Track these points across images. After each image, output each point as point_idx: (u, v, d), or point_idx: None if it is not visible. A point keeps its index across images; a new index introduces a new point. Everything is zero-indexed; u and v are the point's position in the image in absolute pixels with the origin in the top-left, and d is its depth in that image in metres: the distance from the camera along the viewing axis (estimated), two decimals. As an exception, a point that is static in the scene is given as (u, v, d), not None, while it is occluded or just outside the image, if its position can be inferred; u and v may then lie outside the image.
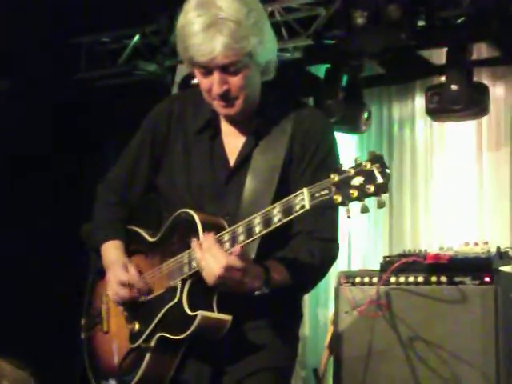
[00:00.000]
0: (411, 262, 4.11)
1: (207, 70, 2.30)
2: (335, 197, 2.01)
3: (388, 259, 4.21)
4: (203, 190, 2.46)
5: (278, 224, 2.14)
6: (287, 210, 2.11)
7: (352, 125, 5.56)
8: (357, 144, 6.17)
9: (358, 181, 2.00)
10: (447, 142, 5.97)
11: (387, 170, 2.00)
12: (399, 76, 5.97)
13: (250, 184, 2.39)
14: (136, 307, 2.52)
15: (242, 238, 2.22)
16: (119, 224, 2.62)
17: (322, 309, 6.13)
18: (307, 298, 6.15)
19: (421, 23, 5.17)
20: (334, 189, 2.02)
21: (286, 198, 2.13)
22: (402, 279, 4.11)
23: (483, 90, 5.09)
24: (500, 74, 5.70)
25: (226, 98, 2.33)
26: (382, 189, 1.99)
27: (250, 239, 2.21)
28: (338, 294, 4.26)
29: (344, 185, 2.01)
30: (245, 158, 2.44)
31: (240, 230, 2.23)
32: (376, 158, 2.02)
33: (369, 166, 2.00)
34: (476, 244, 4.12)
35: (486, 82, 5.52)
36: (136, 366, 2.45)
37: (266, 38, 2.34)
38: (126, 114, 6.11)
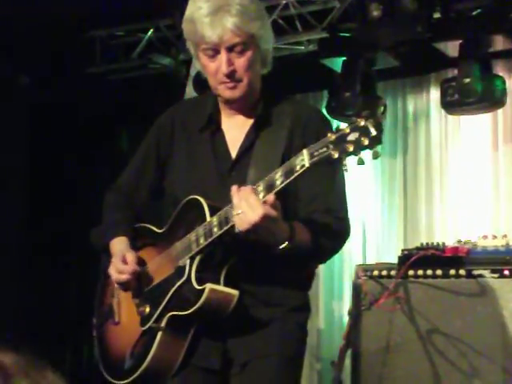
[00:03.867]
0: (429, 254, 4.08)
1: (214, 52, 2.44)
2: (332, 152, 2.11)
3: (406, 252, 4.18)
4: (207, 183, 2.55)
5: (281, 186, 2.23)
6: (289, 172, 2.21)
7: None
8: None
9: (353, 136, 2.10)
10: (462, 135, 5.95)
11: (381, 123, 2.11)
12: (414, 68, 5.95)
13: (252, 174, 2.46)
14: (146, 292, 2.58)
15: None
16: (126, 222, 2.71)
17: (336, 301, 6.13)
18: (321, 291, 6.17)
19: (436, 15, 5.15)
20: (331, 146, 2.12)
21: (288, 161, 2.23)
22: (420, 272, 4.08)
23: (499, 82, 5.08)
24: (516, 66, 5.68)
25: (232, 77, 2.45)
26: (375, 140, 2.09)
27: None
28: (355, 287, 4.24)
29: (340, 141, 2.11)
30: (246, 149, 2.54)
31: None
32: (370, 114, 2.12)
33: (363, 122, 2.10)
34: (494, 237, 4.10)
35: (501, 74, 5.50)
36: (147, 348, 2.49)
37: (267, 26, 2.54)
38: (140, 108, 6.13)
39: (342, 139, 2.11)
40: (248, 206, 2.23)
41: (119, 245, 2.64)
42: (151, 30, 6.27)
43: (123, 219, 2.71)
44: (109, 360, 2.71)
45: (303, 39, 5.95)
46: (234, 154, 2.56)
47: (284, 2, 5.69)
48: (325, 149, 2.12)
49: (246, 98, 2.53)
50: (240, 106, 2.57)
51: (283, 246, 2.32)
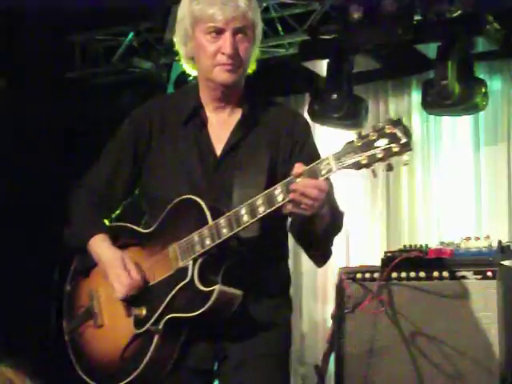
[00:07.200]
0: (413, 257, 4.09)
1: (218, 32, 2.44)
2: (360, 159, 2.14)
3: (389, 254, 4.18)
4: (193, 181, 2.51)
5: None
6: (312, 176, 2.22)
7: (353, 120, 5.54)
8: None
9: (382, 142, 2.13)
10: (444, 137, 5.95)
11: (409, 130, 2.13)
12: (395, 71, 5.95)
13: (239, 173, 2.45)
14: (140, 294, 2.52)
15: (262, 208, 2.29)
16: (101, 220, 2.65)
17: (320, 305, 6.11)
18: (304, 295, 6.15)
19: (417, 18, 5.16)
20: (359, 152, 2.14)
21: (310, 165, 2.23)
22: (403, 274, 4.08)
23: (480, 86, 5.08)
24: (496, 68, 5.69)
25: (234, 59, 2.45)
26: (405, 147, 2.11)
27: (273, 208, 2.28)
28: (339, 290, 4.23)
29: (368, 147, 2.13)
30: (231, 147, 2.52)
31: (260, 201, 2.30)
32: (397, 122, 2.14)
33: (391, 129, 2.12)
34: (477, 238, 4.10)
35: (482, 75, 5.51)
36: (143, 351, 2.46)
37: (261, 25, 2.57)
38: (120, 112, 6.09)
39: (369, 145, 2.13)
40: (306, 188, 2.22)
41: (104, 243, 2.57)
42: (131, 34, 6.24)
43: (98, 217, 2.64)
44: (90, 364, 2.65)
45: (284, 42, 5.94)
46: (218, 151, 2.53)
47: (264, 4, 5.68)
48: (352, 154, 2.15)
49: (234, 89, 2.53)
50: (225, 99, 2.55)
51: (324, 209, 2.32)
